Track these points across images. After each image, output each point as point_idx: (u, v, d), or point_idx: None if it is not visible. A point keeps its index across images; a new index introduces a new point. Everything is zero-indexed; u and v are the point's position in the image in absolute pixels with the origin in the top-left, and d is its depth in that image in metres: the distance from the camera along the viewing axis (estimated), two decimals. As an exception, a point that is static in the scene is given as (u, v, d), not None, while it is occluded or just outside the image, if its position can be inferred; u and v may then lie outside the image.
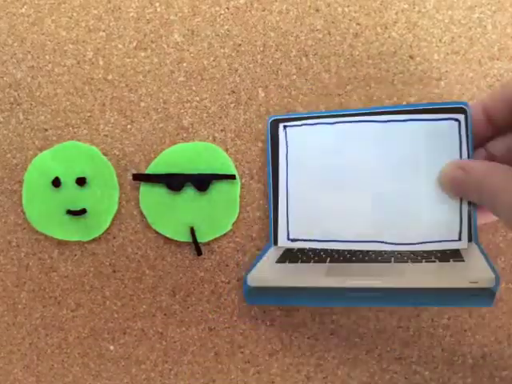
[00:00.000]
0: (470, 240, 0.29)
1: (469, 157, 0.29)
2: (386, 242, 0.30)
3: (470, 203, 0.29)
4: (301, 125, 0.32)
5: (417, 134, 0.30)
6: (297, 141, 0.32)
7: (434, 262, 0.28)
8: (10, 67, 0.34)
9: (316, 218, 0.31)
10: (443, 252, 0.29)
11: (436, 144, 0.30)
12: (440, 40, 0.32)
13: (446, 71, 0.32)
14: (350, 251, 0.31)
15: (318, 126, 0.31)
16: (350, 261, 0.29)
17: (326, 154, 0.31)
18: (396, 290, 0.27)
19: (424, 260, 0.28)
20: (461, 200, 0.29)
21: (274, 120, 0.32)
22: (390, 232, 0.30)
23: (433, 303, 0.26)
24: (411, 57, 0.32)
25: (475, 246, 0.29)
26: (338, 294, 0.28)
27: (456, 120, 0.29)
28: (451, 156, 0.29)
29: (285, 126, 0.32)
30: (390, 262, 0.29)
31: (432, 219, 0.29)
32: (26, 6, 0.34)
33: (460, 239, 0.29)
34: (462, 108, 0.29)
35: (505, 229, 0.32)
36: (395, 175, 0.30)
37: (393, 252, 0.30)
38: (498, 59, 0.32)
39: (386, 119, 0.30)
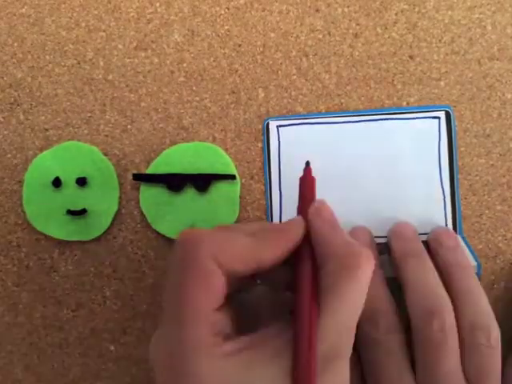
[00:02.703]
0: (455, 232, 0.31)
1: (452, 154, 0.32)
2: (379, 236, 0.31)
3: (453, 199, 0.32)
4: (294, 125, 0.32)
5: (403, 133, 0.32)
6: (290, 141, 0.32)
7: None
8: (11, 67, 0.34)
9: None
10: None
11: (419, 141, 0.32)
12: (440, 40, 0.32)
13: (446, 71, 0.32)
14: None
15: (310, 126, 0.32)
16: None
17: (318, 155, 0.32)
18: (389, 279, 0.29)
19: None
20: (444, 196, 0.31)
21: (270, 121, 0.32)
22: (382, 227, 0.31)
23: None
24: (411, 57, 0.32)
25: (459, 238, 0.31)
26: None
27: (437, 118, 0.32)
28: (431, 153, 0.32)
29: (278, 127, 0.32)
30: (384, 253, 0.31)
31: (419, 215, 0.31)
32: (26, 6, 0.34)
33: None
34: (445, 110, 0.32)
35: (504, 229, 0.32)
36: (385, 173, 0.32)
37: (385, 244, 0.31)
38: (497, 59, 0.32)
39: (376, 118, 0.32)
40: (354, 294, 0.21)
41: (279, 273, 0.24)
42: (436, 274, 0.27)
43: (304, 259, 0.22)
